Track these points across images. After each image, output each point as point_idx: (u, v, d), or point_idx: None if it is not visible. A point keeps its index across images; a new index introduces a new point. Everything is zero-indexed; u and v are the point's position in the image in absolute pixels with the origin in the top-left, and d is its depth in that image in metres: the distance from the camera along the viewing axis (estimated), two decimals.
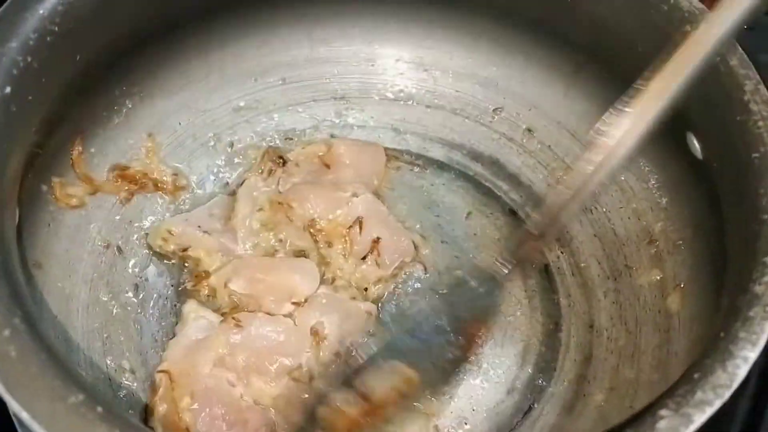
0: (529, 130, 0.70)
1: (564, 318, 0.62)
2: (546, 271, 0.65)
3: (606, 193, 0.65)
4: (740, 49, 0.49)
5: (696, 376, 0.36)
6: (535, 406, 0.58)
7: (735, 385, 0.36)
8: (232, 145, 0.69)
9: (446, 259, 0.65)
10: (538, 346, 0.61)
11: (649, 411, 0.35)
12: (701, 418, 0.34)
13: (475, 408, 0.57)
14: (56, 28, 0.48)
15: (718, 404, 0.35)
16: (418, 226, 0.67)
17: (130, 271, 0.61)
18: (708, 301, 0.51)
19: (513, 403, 0.58)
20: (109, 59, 0.56)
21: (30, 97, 0.46)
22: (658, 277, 0.59)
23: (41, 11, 0.47)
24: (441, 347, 0.55)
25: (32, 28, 0.47)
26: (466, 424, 0.56)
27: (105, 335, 0.57)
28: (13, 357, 0.34)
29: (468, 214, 0.68)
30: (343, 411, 0.51)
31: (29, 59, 0.46)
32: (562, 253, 0.65)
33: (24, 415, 0.32)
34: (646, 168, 0.61)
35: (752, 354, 0.37)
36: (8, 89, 0.44)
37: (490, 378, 0.59)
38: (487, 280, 0.57)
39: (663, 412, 0.35)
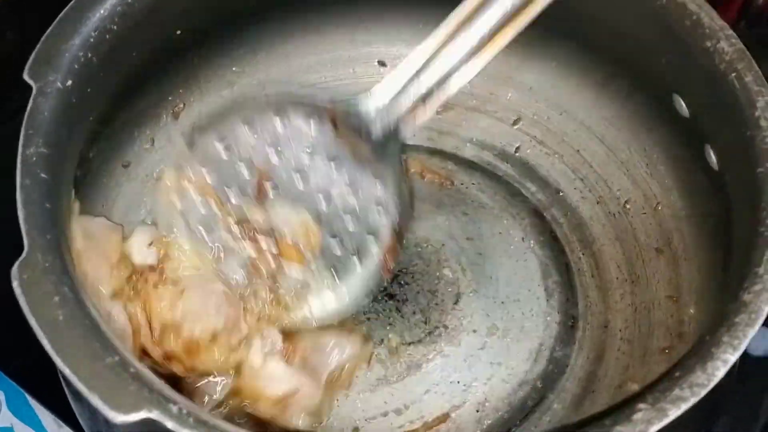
0: (560, 134, 0.72)
1: (580, 317, 0.65)
2: (567, 271, 0.67)
3: (630, 199, 0.67)
4: (756, 66, 0.51)
5: (677, 374, 0.39)
6: (545, 399, 0.60)
7: (712, 384, 0.38)
8: None
9: (471, 257, 0.68)
10: (553, 342, 0.63)
11: (629, 404, 0.38)
12: (675, 413, 0.37)
13: (486, 398, 0.60)
14: (115, 27, 0.53)
15: (693, 401, 0.37)
16: (445, 222, 0.70)
17: None
18: (717, 309, 0.53)
19: (524, 396, 0.60)
20: (164, 57, 0.61)
21: (89, 90, 0.51)
22: (674, 283, 0.61)
23: (102, 11, 0.52)
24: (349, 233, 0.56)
25: (93, 26, 0.51)
26: (477, 411, 0.59)
27: None
28: (61, 321, 0.38)
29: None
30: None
31: (89, 55, 0.51)
32: (583, 254, 0.68)
33: (67, 372, 0.37)
34: (666, 176, 0.63)
35: (732, 357, 0.39)
36: (69, 82, 0.49)
37: (503, 370, 0.61)
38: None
39: (641, 405, 0.37)
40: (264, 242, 0.54)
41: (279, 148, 0.56)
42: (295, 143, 0.56)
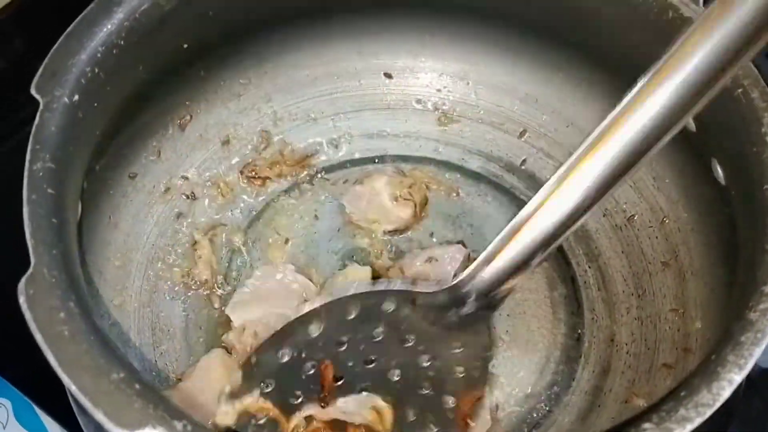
0: (566, 146, 0.72)
1: (586, 330, 0.64)
2: (573, 283, 0.67)
3: (636, 212, 0.67)
4: (762, 82, 0.51)
5: (682, 393, 0.39)
6: (551, 413, 0.60)
7: (717, 404, 0.38)
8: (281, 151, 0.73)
9: None
10: (559, 356, 0.63)
11: (634, 423, 0.38)
12: None
13: (492, 412, 0.60)
14: (122, 42, 0.53)
15: (698, 422, 0.37)
16: (451, 233, 0.70)
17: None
18: (723, 324, 0.53)
19: (529, 409, 0.60)
20: (170, 71, 0.61)
21: (96, 104, 0.51)
22: (680, 297, 0.61)
23: (109, 26, 0.52)
24: (424, 401, 0.54)
25: (100, 42, 0.52)
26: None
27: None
28: (66, 336, 0.39)
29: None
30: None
31: (96, 70, 0.51)
32: (589, 267, 0.68)
33: (72, 388, 0.37)
34: (673, 190, 0.63)
35: (738, 377, 0.39)
36: (76, 97, 0.49)
37: (509, 384, 0.61)
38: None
39: (646, 425, 0.37)
40: None
41: (347, 338, 0.55)
42: (366, 328, 0.55)
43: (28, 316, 0.39)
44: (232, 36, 0.66)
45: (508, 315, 0.65)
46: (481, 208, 0.72)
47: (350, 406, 0.53)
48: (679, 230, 0.63)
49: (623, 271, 0.66)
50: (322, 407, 0.53)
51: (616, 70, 0.65)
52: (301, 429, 0.52)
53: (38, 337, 0.38)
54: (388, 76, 0.75)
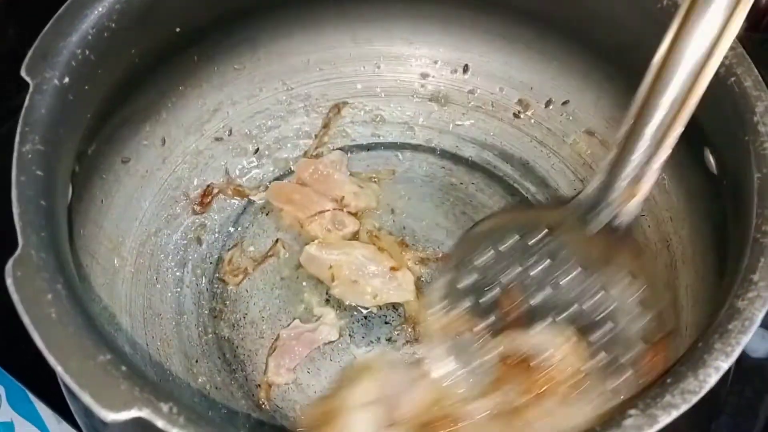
0: (560, 135, 0.72)
1: None
2: None
3: None
4: (756, 70, 0.50)
5: (669, 380, 0.39)
6: None
7: (703, 391, 0.38)
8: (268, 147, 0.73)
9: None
10: None
11: (619, 409, 0.38)
12: (666, 419, 0.37)
13: None
14: (113, 25, 0.53)
15: (684, 408, 0.37)
16: (444, 221, 0.70)
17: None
18: (713, 313, 0.53)
19: None
20: (163, 55, 0.61)
21: (86, 87, 0.51)
22: (672, 286, 0.61)
23: (100, 9, 0.52)
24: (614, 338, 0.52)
25: (91, 24, 0.51)
26: None
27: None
28: (53, 318, 0.38)
29: None
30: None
31: (87, 52, 0.51)
32: None
33: (59, 369, 0.37)
34: (666, 178, 0.63)
35: (724, 364, 0.39)
36: (67, 79, 0.49)
37: None
38: None
39: (631, 411, 0.37)
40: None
41: (520, 268, 0.56)
42: (527, 259, 0.56)
43: (15, 297, 0.39)
44: (224, 21, 0.65)
45: None
46: (475, 197, 0.71)
47: (542, 338, 0.53)
48: (671, 219, 0.63)
49: None
50: (512, 326, 0.52)
51: (612, 58, 0.65)
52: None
53: (25, 319, 0.38)
54: (383, 62, 0.75)
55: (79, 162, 0.55)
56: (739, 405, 0.63)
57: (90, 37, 0.51)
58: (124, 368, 0.37)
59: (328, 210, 0.68)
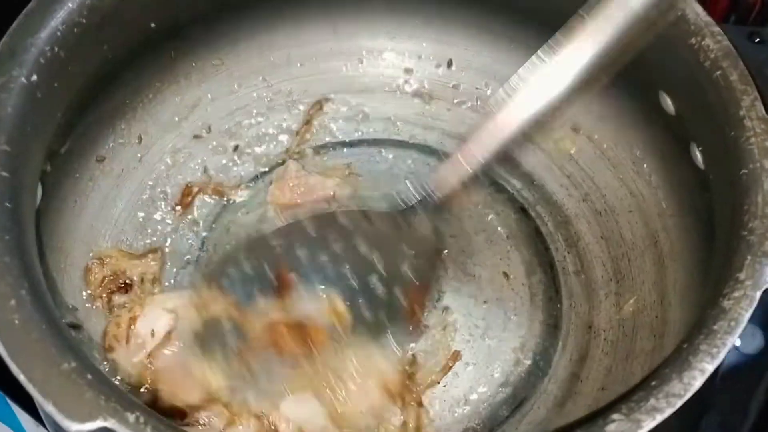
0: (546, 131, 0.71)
1: (564, 317, 0.63)
2: (551, 269, 0.66)
3: (616, 197, 0.66)
4: (742, 64, 0.49)
5: (653, 383, 0.38)
6: (527, 400, 0.59)
7: (688, 394, 0.37)
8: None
9: (453, 254, 0.66)
10: (536, 342, 0.62)
11: (603, 414, 0.37)
12: (650, 424, 0.36)
13: (467, 399, 0.59)
14: (84, 21, 0.51)
15: (669, 412, 0.36)
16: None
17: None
18: (700, 311, 0.52)
19: (505, 397, 0.59)
20: (138, 51, 0.59)
21: (56, 85, 0.50)
22: (660, 283, 0.60)
23: (70, 4, 0.50)
24: (377, 299, 0.55)
25: (60, 20, 0.50)
26: (455, 414, 0.58)
27: None
28: (17, 325, 0.37)
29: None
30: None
31: (56, 49, 0.49)
32: (568, 253, 0.66)
33: (21, 378, 0.36)
34: (653, 174, 0.62)
35: (710, 366, 0.38)
36: (35, 77, 0.48)
37: (485, 371, 0.60)
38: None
39: (615, 416, 0.36)
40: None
41: (305, 249, 0.56)
42: (323, 242, 0.56)
43: None
44: (201, 15, 0.64)
45: (484, 302, 0.64)
46: None
47: (309, 307, 0.54)
48: (658, 216, 0.62)
49: (602, 257, 0.65)
50: (280, 302, 0.53)
51: None
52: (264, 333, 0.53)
53: None
54: (365, 57, 0.74)
55: (51, 161, 0.54)
56: (730, 402, 0.62)
57: (59, 34, 0.50)
58: (89, 376, 0.36)
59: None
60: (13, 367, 0.36)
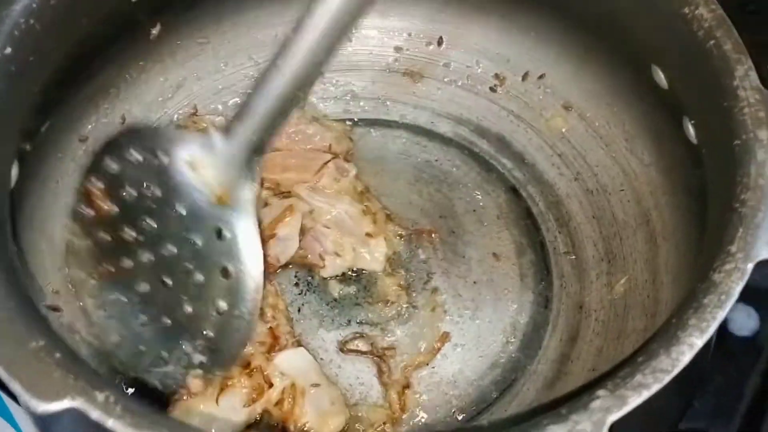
0: (537, 109, 0.70)
1: (554, 297, 0.62)
2: (542, 249, 0.65)
3: (608, 175, 0.65)
4: (736, 33, 0.48)
5: (640, 359, 0.37)
6: (516, 381, 0.58)
7: (676, 370, 0.35)
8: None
9: (444, 235, 0.65)
10: (526, 323, 0.61)
11: (588, 390, 0.36)
12: (636, 400, 0.34)
13: (456, 380, 0.58)
14: None
15: (656, 388, 0.35)
16: (418, 199, 0.67)
17: None
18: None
19: (494, 378, 0.58)
20: (120, 27, 0.58)
21: (31, 59, 0.48)
22: (651, 262, 0.59)
23: None
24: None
25: None
26: (445, 395, 0.57)
27: None
28: None
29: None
30: None
31: (31, 21, 0.48)
32: (559, 232, 0.65)
33: None
34: (645, 151, 0.61)
35: (699, 341, 0.37)
36: (8, 50, 0.46)
37: (474, 352, 0.59)
38: None
39: (600, 392, 0.35)
40: None
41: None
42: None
43: None
44: None
45: (474, 282, 0.63)
46: (450, 174, 0.69)
47: None
48: (651, 194, 0.61)
49: (594, 236, 0.64)
50: None
51: (588, 31, 0.63)
52: None
53: None
54: (356, 36, 0.72)
55: (31, 139, 0.53)
56: (724, 384, 0.61)
57: (35, 6, 0.49)
58: (57, 355, 0.35)
59: (329, 160, 0.65)
60: None
